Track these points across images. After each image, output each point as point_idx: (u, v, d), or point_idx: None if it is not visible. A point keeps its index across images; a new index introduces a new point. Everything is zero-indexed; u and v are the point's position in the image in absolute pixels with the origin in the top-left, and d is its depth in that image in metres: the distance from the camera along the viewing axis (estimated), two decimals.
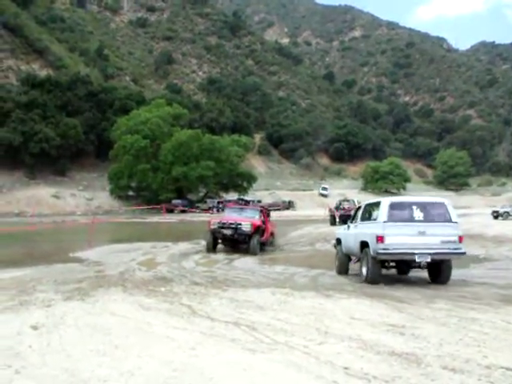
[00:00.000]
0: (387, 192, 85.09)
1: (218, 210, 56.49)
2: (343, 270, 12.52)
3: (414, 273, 12.41)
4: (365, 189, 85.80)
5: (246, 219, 18.22)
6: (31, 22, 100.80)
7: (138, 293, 9.17)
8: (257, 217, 18.95)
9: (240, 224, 17.66)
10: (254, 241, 17.54)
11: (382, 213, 10.46)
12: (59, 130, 67.12)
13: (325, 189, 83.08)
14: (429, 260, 10.13)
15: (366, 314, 7.48)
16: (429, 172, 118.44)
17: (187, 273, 12.46)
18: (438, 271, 10.76)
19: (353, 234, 11.90)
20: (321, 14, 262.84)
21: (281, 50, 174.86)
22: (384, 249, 10.07)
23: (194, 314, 7.39)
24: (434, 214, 10.44)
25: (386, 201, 10.84)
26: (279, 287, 9.98)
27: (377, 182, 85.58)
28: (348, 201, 39.19)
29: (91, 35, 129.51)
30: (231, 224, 17.79)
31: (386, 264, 11.00)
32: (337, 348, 5.58)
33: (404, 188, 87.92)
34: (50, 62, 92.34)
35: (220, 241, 18.69)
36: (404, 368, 4.95)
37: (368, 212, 11.80)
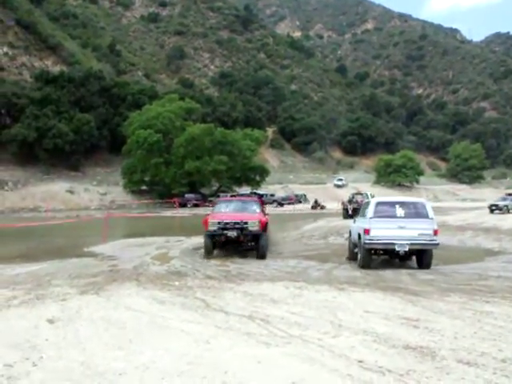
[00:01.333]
0: (400, 185, 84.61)
1: None
2: (351, 257, 14.09)
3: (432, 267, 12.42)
4: (377, 182, 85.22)
5: (251, 216, 15.22)
6: (44, 18, 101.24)
7: (152, 287, 9.22)
8: (258, 210, 16.10)
9: (246, 223, 14.40)
10: (263, 242, 14.50)
11: (369, 210, 12.60)
12: (73, 125, 67.43)
13: (340, 180, 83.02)
14: (406, 249, 12.08)
15: (380, 307, 7.47)
16: (442, 165, 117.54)
17: (201, 267, 12.49)
18: (421, 259, 12.53)
19: (355, 227, 13.91)
20: (332, 7, 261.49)
21: (293, 44, 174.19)
22: (370, 239, 12.10)
23: (208, 307, 7.42)
24: (413, 212, 12.44)
25: (373, 200, 13.50)
26: (293, 281, 9.99)
27: (390, 175, 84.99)
28: (361, 194, 38.78)
29: (103, 31, 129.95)
30: (236, 224, 14.42)
31: (376, 252, 12.91)
32: (351, 341, 5.58)
33: (417, 181, 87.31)
34: (63, 58, 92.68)
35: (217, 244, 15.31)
36: (418, 361, 4.95)
37: (364, 209, 13.70)
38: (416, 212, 12.45)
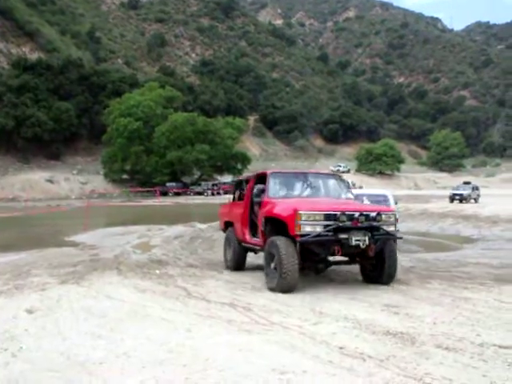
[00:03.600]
0: (381, 173, 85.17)
1: (212, 194, 56.55)
2: None
3: (412, 254, 12.50)
4: (359, 170, 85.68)
5: (377, 205, 10.12)
6: (21, 4, 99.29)
7: (133, 276, 9.18)
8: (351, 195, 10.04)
9: (380, 216, 8.10)
10: (392, 252, 8.36)
11: None
12: (52, 113, 66.68)
13: (339, 166, 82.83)
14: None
15: (361, 294, 7.53)
16: (423, 153, 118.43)
17: (182, 255, 12.47)
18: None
19: None
20: None
21: (274, 32, 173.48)
22: None
23: (189, 295, 7.42)
24: (377, 202, 13.00)
25: None
26: None
27: (371, 163, 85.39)
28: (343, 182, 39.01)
29: (82, 17, 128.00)
30: (367, 218, 7.95)
31: None
32: (332, 328, 5.61)
33: (398, 169, 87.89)
34: (40, 44, 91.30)
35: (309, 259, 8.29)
36: (398, 347, 4.99)
37: None
38: (379, 203, 12.75)
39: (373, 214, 8.01)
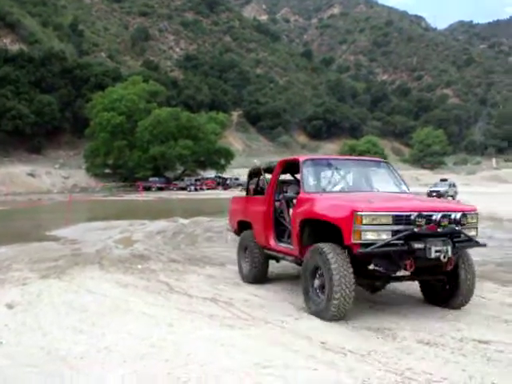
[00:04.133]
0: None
1: (195, 189, 56.44)
2: None
3: None
4: None
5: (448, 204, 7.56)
6: None
7: (115, 270, 9.12)
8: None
9: (465, 217, 6.09)
10: (471, 266, 6.65)
11: None
12: (33, 106, 66.05)
13: None
14: None
15: None
16: (406, 150, 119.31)
17: (164, 250, 12.42)
18: None
19: None
20: None
21: (259, 27, 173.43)
22: None
23: (171, 290, 7.40)
24: None
25: None
26: None
27: None
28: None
29: (65, 9, 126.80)
30: (449, 219, 5.90)
31: None
32: (313, 323, 5.63)
33: None
34: (22, 36, 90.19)
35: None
36: (380, 342, 5.03)
37: None
38: None
39: (457, 215, 5.88)
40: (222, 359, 4.50)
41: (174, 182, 59.92)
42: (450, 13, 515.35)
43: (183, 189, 56.52)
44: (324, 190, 6.85)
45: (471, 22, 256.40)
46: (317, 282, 5.99)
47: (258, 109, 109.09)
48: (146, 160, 59.87)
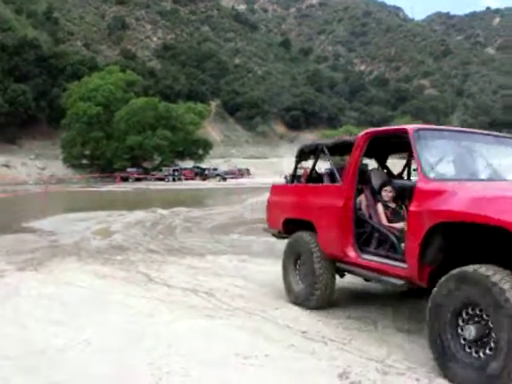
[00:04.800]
0: (342, 160, 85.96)
1: (174, 179, 56.21)
2: None
3: None
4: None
5: None
6: None
7: (94, 262, 9.05)
8: None
9: None
10: None
11: None
12: (7, 96, 65.04)
13: None
14: None
15: None
16: None
17: (143, 241, 12.35)
18: None
19: None
20: None
21: (237, 17, 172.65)
22: None
23: (151, 281, 7.36)
24: None
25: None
26: (236, 254, 10.02)
27: None
28: (304, 168, 39.35)
29: None
30: None
31: None
32: (294, 313, 5.65)
33: None
34: None
35: None
36: (361, 331, 5.07)
37: None
38: None
39: None
40: (203, 350, 4.49)
41: (152, 173, 59.56)
42: (428, 4, 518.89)
43: (161, 179, 56.21)
44: (458, 178, 4.68)
45: (448, 13, 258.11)
46: (471, 331, 3.64)
47: (236, 99, 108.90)
48: (123, 150, 59.43)
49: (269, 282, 7.29)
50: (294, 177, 7.31)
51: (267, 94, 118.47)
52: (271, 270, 8.26)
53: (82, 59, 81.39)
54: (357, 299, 6.34)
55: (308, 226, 5.98)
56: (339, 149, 6.46)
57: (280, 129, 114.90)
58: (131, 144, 58.30)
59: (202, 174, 61.45)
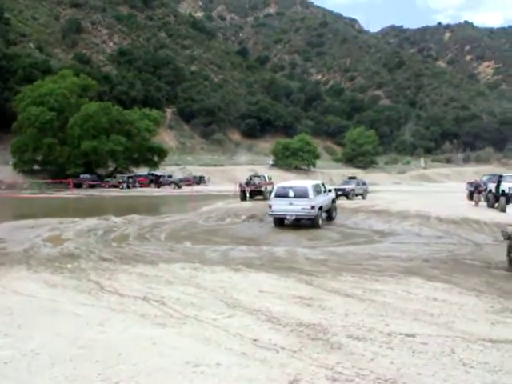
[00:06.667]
0: (297, 168, 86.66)
1: (128, 186, 55.51)
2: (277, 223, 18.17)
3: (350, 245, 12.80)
4: (276, 165, 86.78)
5: None
6: None
7: (44, 270, 8.88)
8: None
9: None
10: None
11: (273, 192, 18.78)
12: None
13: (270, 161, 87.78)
14: (294, 218, 17.78)
15: (275, 287, 7.64)
16: (338, 149, 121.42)
17: (95, 249, 12.17)
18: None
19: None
20: None
21: (194, 24, 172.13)
22: (272, 212, 17.98)
23: (102, 289, 7.26)
24: (299, 193, 17.47)
25: (276, 185, 19.47)
26: (189, 262, 9.99)
27: (287, 158, 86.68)
28: (259, 177, 39.53)
29: None
30: None
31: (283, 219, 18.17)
32: (245, 321, 5.67)
33: (314, 165, 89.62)
34: None
35: None
36: (311, 338, 5.13)
37: (271, 191, 19.02)
38: (301, 193, 17.51)
39: None
40: (154, 358, 4.47)
41: (106, 180, 58.63)
42: (383, 17, 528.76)
43: (115, 186, 55.35)
44: None
45: (402, 26, 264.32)
46: None
47: (192, 106, 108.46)
48: (76, 156, 58.26)
49: (221, 290, 7.29)
50: None
51: (223, 101, 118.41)
52: (223, 277, 8.27)
53: (34, 62, 79.41)
54: (307, 307, 6.39)
55: None
56: None
57: (236, 137, 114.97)
58: (85, 149, 57.19)
59: (156, 182, 60.84)
